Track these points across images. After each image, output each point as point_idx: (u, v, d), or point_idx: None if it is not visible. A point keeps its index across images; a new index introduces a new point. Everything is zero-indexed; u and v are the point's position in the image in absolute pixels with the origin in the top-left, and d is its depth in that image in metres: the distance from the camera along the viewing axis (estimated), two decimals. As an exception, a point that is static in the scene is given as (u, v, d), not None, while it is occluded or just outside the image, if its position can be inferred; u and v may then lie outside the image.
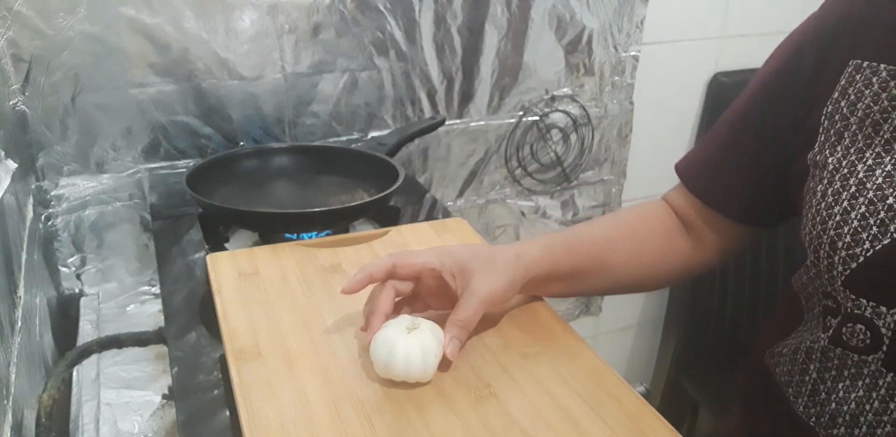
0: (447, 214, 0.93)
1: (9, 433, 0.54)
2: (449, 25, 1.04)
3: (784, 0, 1.30)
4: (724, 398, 1.35)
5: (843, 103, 0.54)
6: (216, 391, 0.58)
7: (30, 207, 0.85)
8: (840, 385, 0.54)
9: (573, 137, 1.23)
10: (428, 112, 1.09)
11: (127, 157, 0.93)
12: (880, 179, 0.50)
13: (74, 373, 0.78)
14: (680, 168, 0.71)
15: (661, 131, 1.33)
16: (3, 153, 0.70)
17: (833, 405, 0.55)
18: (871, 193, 0.50)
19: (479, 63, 1.08)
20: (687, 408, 1.42)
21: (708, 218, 0.68)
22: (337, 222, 0.83)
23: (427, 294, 0.61)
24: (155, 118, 0.92)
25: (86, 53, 0.85)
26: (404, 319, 0.56)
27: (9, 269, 0.66)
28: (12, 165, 0.72)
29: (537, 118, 1.18)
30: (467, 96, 1.11)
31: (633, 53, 1.20)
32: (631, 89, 1.23)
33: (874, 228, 0.49)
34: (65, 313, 0.94)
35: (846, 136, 0.53)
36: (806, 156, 0.57)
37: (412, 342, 0.53)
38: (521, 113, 1.16)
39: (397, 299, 0.59)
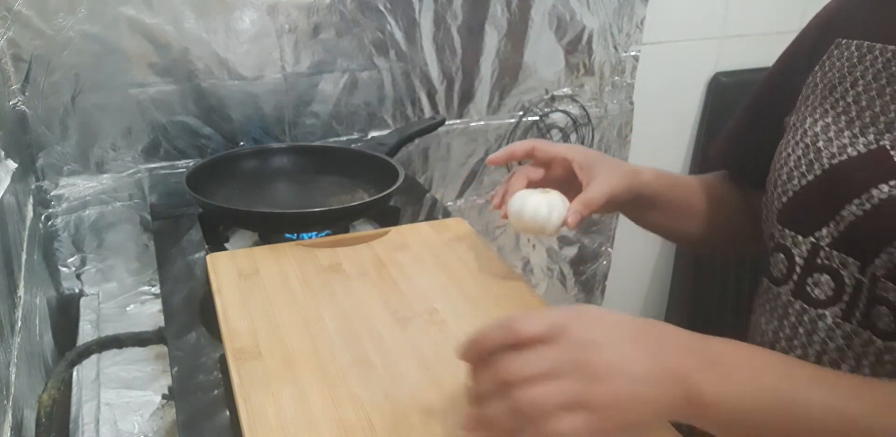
0: (447, 214, 0.93)
1: (9, 433, 0.54)
2: (449, 25, 1.04)
3: (784, 0, 1.30)
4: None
5: (818, 75, 0.59)
6: (216, 391, 0.58)
7: (30, 207, 0.85)
8: (764, 319, 0.60)
9: (573, 137, 1.23)
10: (428, 112, 1.09)
11: (127, 157, 0.93)
12: (818, 129, 0.56)
13: (74, 373, 0.78)
14: (712, 152, 0.76)
15: (661, 131, 1.33)
16: (3, 153, 0.70)
17: (759, 338, 0.61)
18: (808, 139, 0.56)
19: (479, 63, 1.08)
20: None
21: (742, 192, 0.72)
22: (337, 222, 0.83)
23: (552, 184, 0.67)
24: (155, 118, 0.92)
25: (86, 53, 0.85)
26: (537, 189, 0.66)
27: (9, 269, 0.66)
28: (12, 165, 0.72)
29: (537, 118, 1.18)
30: (467, 96, 1.11)
31: (633, 53, 1.20)
32: (631, 89, 1.23)
33: (803, 167, 0.56)
34: (65, 313, 0.94)
35: (811, 99, 0.59)
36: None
37: (542, 199, 0.64)
38: (521, 113, 1.16)
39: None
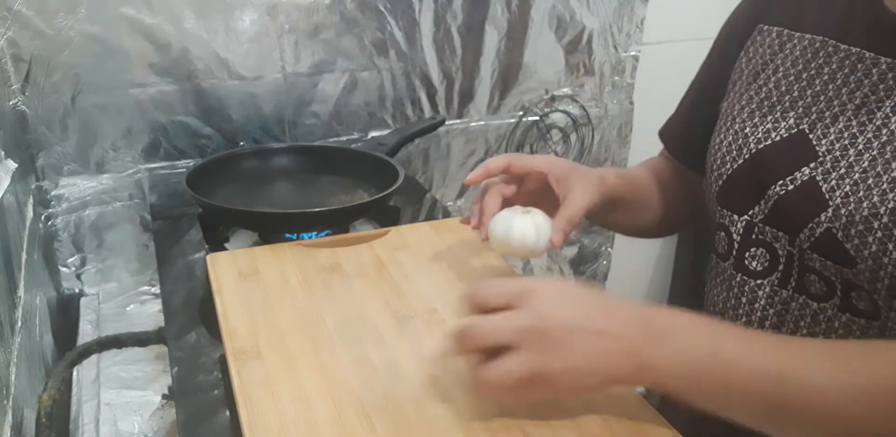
0: (447, 214, 0.93)
1: (9, 433, 0.54)
2: (449, 25, 1.04)
3: (784, 0, 1.30)
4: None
5: (744, 61, 0.63)
6: (216, 391, 0.58)
7: (30, 207, 0.85)
8: (714, 292, 0.64)
9: (573, 137, 1.23)
10: (428, 112, 1.09)
11: (127, 157, 0.93)
12: (745, 115, 0.59)
13: (74, 373, 0.78)
14: (661, 132, 0.79)
15: (661, 131, 1.33)
16: (3, 153, 0.70)
17: (711, 308, 0.64)
18: (737, 126, 0.60)
19: (479, 63, 1.08)
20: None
21: (688, 175, 0.74)
22: (337, 222, 0.83)
23: (525, 199, 0.66)
24: (155, 118, 0.92)
25: (86, 53, 0.85)
26: (517, 207, 0.63)
27: (9, 269, 0.66)
28: (12, 165, 0.72)
29: (537, 118, 1.18)
30: (467, 96, 1.11)
31: (633, 53, 1.20)
32: (631, 89, 1.23)
33: (734, 152, 0.59)
34: (65, 313, 0.94)
35: (738, 85, 0.62)
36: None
37: (528, 222, 0.61)
38: (521, 113, 1.16)
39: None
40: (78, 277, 0.97)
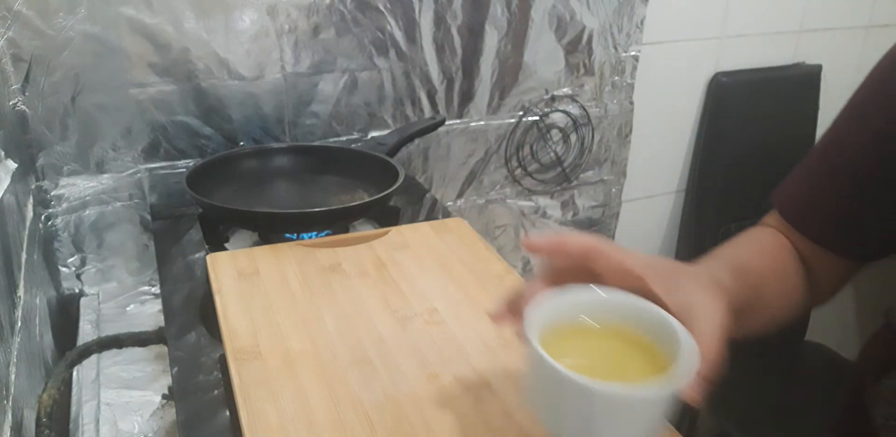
0: (447, 214, 0.93)
1: (9, 433, 0.54)
2: (449, 25, 1.04)
3: (784, 0, 1.30)
4: (724, 397, 1.35)
5: None
6: (216, 391, 0.58)
7: (30, 207, 0.85)
8: None
9: (573, 137, 1.23)
10: (428, 112, 1.09)
11: (127, 157, 0.93)
12: None
13: (74, 373, 0.78)
14: (778, 198, 0.63)
15: (661, 131, 1.33)
16: (3, 153, 0.70)
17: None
18: None
19: (479, 63, 1.08)
20: (687, 408, 1.42)
21: (811, 250, 0.61)
22: (337, 222, 0.83)
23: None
24: (155, 118, 0.92)
25: (86, 53, 0.85)
26: None
27: (9, 269, 0.66)
28: (12, 165, 0.72)
29: (537, 118, 1.18)
30: (467, 96, 1.11)
31: (633, 53, 1.20)
32: (631, 89, 1.23)
33: None
34: (65, 313, 0.94)
35: None
36: None
37: None
38: (521, 113, 1.16)
39: None
40: (78, 277, 0.97)
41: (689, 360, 0.38)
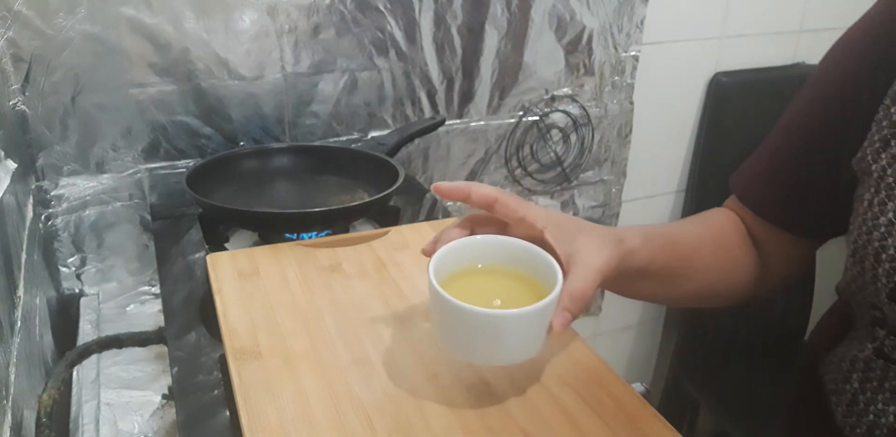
0: (447, 214, 0.93)
1: (9, 433, 0.54)
2: (449, 25, 1.04)
3: (784, 0, 1.30)
4: (724, 397, 1.35)
5: (893, 110, 0.52)
6: (216, 391, 0.58)
7: (30, 207, 0.85)
8: (879, 397, 0.53)
9: (573, 137, 1.23)
10: (428, 112, 1.09)
11: (127, 157, 0.93)
12: None
13: (74, 373, 0.78)
14: (733, 181, 0.67)
15: (661, 131, 1.33)
16: (2, 153, 0.70)
17: (871, 416, 0.54)
18: None
19: (479, 63, 1.08)
20: (687, 408, 1.42)
21: (765, 230, 0.64)
22: (337, 222, 0.83)
23: None
24: (155, 118, 0.92)
25: (86, 53, 0.85)
26: None
27: (9, 269, 0.66)
28: (12, 165, 0.72)
29: (537, 118, 1.18)
30: (467, 96, 1.11)
31: (633, 53, 1.20)
32: (631, 89, 1.23)
33: None
34: (65, 313, 0.94)
35: (893, 143, 0.51)
36: (851, 162, 0.55)
37: None
38: (521, 113, 1.16)
39: None
40: (78, 277, 0.97)
41: (558, 294, 0.48)
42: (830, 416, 0.58)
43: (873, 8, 0.57)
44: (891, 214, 0.49)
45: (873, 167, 0.52)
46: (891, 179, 0.50)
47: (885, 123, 0.52)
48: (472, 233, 0.54)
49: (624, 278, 0.55)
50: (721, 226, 0.65)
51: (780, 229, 0.63)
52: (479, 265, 0.54)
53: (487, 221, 0.54)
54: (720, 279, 0.63)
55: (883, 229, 0.50)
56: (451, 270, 0.52)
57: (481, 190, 0.51)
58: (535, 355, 0.51)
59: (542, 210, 0.53)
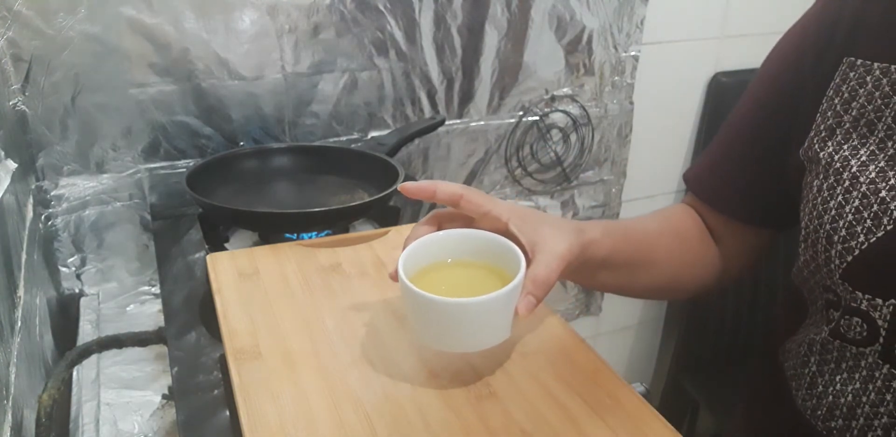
0: (447, 214, 0.93)
1: (9, 433, 0.54)
2: (449, 25, 1.04)
3: (783, 0, 1.30)
4: (724, 397, 1.35)
5: (836, 101, 0.55)
6: (216, 391, 0.58)
7: (30, 207, 0.85)
8: (838, 378, 0.55)
9: (573, 137, 1.23)
10: (428, 112, 1.09)
11: (127, 157, 0.93)
12: (873, 174, 0.51)
13: (74, 373, 0.78)
14: (687, 176, 0.71)
15: (661, 131, 1.33)
16: (3, 153, 0.70)
17: (830, 397, 0.55)
18: (864, 187, 0.51)
19: (479, 63, 1.08)
20: (687, 408, 1.42)
21: (721, 223, 0.68)
22: (337, 222, 0.83)
23: None
24: (155, 118, 0.92)
25: (86, 53, 0.85)
26: None
27: (9, 269, 0.66)
28: (12, 165, 0.72)
29: (537, 118, 1.18)
30: (467, 96, 1.11)
31: (633, 53, 1.20)
32: (631, 89, 1.23)
33: (868, 221, 0.50)
34: (65, 313, 0.94)
35: (838, 132, 0.54)
36: (799, 151, 0.58)
37: None
38: (521, 113, 1.16)
39: None
40: (78, 277, 0.97)
41: (521, 280, 0.50)
42: (791, 402, 0.60)
43: (814, 6, 0.61)
44: (840, 198, 0.52)
45: (821, 155, 0.55)
46: (838, 165, 0.53)
47: (829, 114, 0.55)
48: (440, 229, 0.56)
49: (586, 269, 0.58)
50: (680, 220, 0.69)
51: (734, 221, 0.66)
52: (449, 260, 0.56)
53: (454, 216, 0.57)
54: (681, 271, 0.67)
55: (833, 212, 0.52)
56: (422, 265, 0.54)
57: (446, 188, 0.54)
58: (505, 339, 0.53)
59: (505, 204, 0.55)
